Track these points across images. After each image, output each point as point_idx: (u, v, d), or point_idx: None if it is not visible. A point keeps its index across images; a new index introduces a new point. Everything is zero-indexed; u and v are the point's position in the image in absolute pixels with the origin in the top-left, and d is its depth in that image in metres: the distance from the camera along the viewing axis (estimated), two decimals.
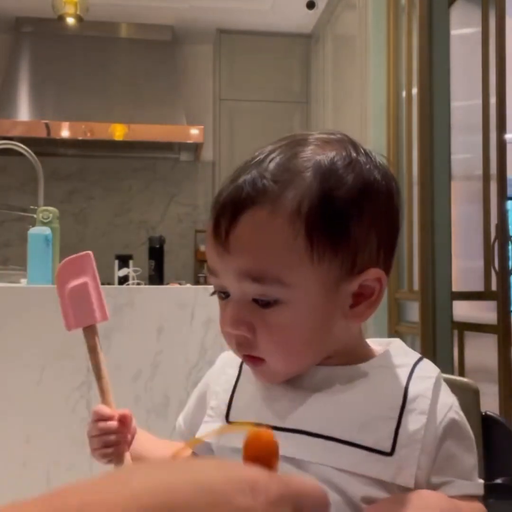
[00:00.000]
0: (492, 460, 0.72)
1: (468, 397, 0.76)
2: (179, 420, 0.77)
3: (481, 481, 0.62)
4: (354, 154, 0.61)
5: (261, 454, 0.37)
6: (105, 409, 0.72)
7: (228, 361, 0.71)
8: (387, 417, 0.59)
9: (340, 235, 0.59)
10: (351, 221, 0.59)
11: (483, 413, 0.78)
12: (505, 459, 0.74)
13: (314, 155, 0.60)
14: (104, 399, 0.73)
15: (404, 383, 0.61)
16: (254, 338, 0.60)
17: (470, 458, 0.62)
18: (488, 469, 0.64)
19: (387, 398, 0.60)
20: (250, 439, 0.38)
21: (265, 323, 0.60)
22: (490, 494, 0.69)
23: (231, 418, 0.66)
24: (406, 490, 0.58)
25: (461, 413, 0.63)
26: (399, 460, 0.58)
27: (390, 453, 0.58)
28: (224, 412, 0.67)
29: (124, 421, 0.72)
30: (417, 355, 0.65)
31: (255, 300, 0.60)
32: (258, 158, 0.61)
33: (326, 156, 0.60)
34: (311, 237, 0.57)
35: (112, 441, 0.70)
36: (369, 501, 0.57)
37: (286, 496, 0.32)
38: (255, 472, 0.33)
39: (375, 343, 0.68)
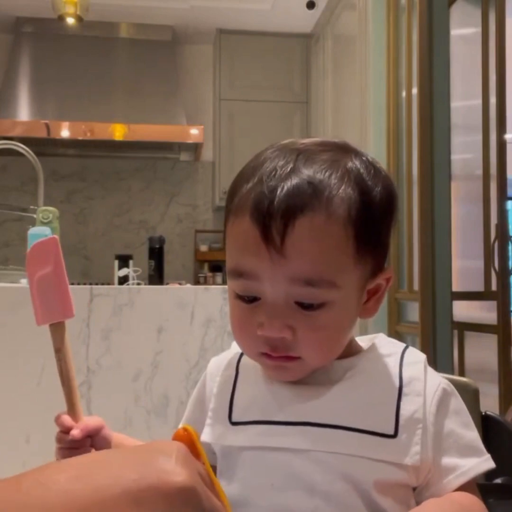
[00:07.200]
0: (492, 460, 0.72)
1: (468, 397, 0.76)
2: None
3: (488, 455, 0.64)
4: (370, 161, 0.64)
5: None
6: (65, 420, 0.70)
7: (221, 364, 0.72)
8: (386, 402, 0.62)
9: (376, 239, 0.63)
10: (384, 226, 0.64)
11: (483, 413, 0.78)
12: (505, 459, 0.74)
13: (340, 163, 0.62)
14: (68, 408, 0.70)
15: (397, 369, 0.65)
16: (294, 340, 0.60)
17: (469, 431, 0.64)
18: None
19: (383, 385, 0.63)
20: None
21: (307, 324, 0.60)
22: (490, 494, 0.69)
23: (234, 419, 0.66)
24: (415, 469, 0.60)
25: (452, 388, 0.65)
26: (403, 441, 0.60)
27: (394, 435, 0.61)
28: (227, 413, 0.67)
29: (85, 433, 0.69)
30: (403, 345, 0.69)
31: (298, 303, 0.60)
32: (285, 161, 0.60)
33: (352, 164, 0.62)
34: (358, 242, 0.61)
35: (68, 454, 0.68)
36: (380, 485, 0.60)
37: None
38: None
39: (360, 340, 0.71)
